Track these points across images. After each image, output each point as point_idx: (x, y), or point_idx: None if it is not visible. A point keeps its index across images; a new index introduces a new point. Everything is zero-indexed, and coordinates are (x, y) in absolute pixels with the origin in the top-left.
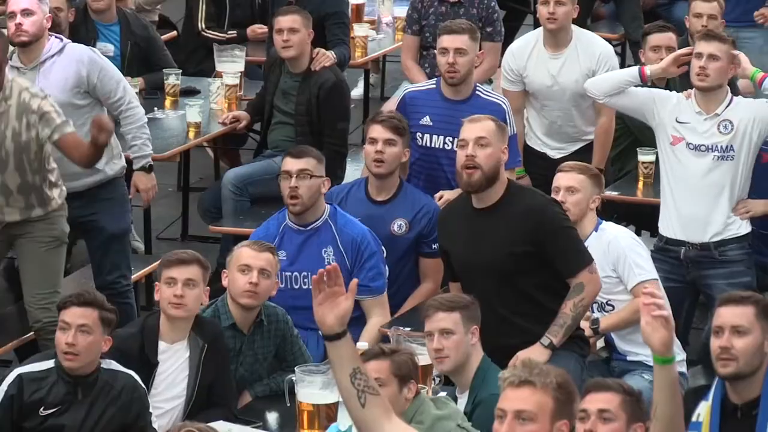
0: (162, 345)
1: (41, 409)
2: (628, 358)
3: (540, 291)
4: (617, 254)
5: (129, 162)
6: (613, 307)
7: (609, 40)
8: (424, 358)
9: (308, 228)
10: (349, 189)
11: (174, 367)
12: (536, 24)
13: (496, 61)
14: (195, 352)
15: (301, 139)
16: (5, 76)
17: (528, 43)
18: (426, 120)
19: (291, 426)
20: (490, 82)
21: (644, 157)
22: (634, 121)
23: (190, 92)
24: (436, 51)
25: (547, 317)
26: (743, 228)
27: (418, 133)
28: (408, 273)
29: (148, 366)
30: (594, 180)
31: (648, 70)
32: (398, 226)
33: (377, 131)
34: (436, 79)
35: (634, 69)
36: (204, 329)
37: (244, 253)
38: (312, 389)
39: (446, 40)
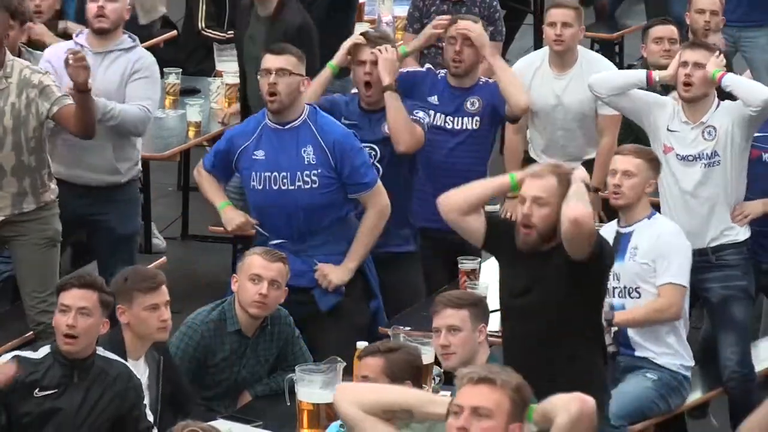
0: (129, 362)
1: (36, 390)
2: (636, 353)
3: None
4: (664, 248)
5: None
6: (639, 294)
7: (608, 40)
8: (424, 358)
9: (287, 127)
10: (344, 102)
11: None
12: (536, 23)
13: None
14: (153, 365)
15: None
16: (6, 53)
17: (533, 62)
18: (434, 99)
19: (291, 425)
20: None
21: None
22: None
23: (190, 91)
24: (443, 43)
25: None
26: (741, 234)
27: (422, 108)
28: (398, 183)
29: None
30: (651, 164)
31: (656, 75)
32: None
33: (366, 54)
34: (446, 70)
35: (642, 72)
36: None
37: (255, 262)
38: (312, 388)
39: (453, 30)
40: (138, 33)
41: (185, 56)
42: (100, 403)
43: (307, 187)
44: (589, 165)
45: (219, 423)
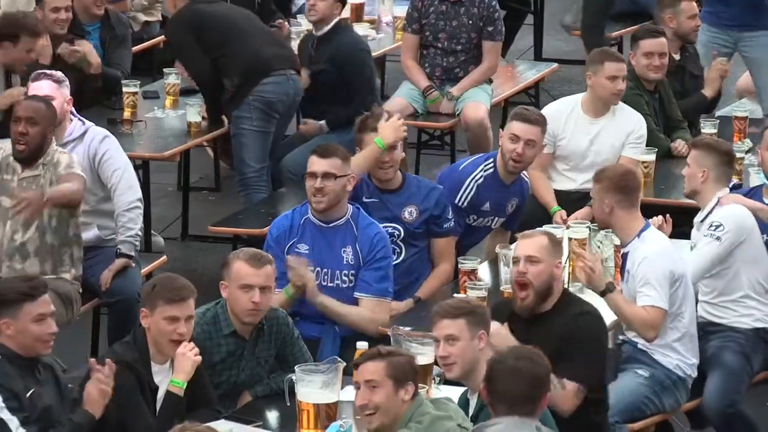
0: (154, 367)
1: (27, 394)
2: (639, 345)
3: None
4: (646, 274)
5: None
6: None
7: (606, 40)
8: (424, 358)
9: (331, 225)
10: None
11: (163, 387)
12: (536, 23)
13: (496, 61)
14: None
15: None
16: (51, 143)
17: (566, 107)
18: (486, 206)
19: (291, 425)
20: (490, 81)
21: (644, 156)
22: None
23: (190, 92)
24: (502, 134)
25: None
26: (743, 324)
27: (473, 215)
28: (421, 258)
29: (152, 391)
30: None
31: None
32: (408, 212)
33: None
34: (492, 160)
35: None
36: None
37: (243, 271)
38: (312, 388)
39: (519, 129)
40: (138, 35)
41: None
42: (62, 391)
43: (344, 286)
44: None
45: (220, 423)
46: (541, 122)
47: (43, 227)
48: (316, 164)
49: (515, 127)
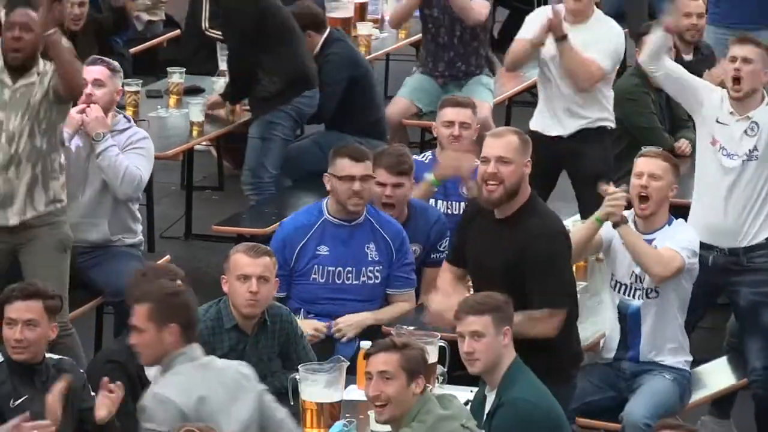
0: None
1: (11, 401)
2: (640, 358)
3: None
4: (672, 237)
5: None
6: (658, 294)
7: None
8: (428, 357)
9: (352, 223)
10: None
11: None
12: None
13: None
14: None
15: None
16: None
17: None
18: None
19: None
20: (491, 76)
21: None
22: (632, 121)
23: (193, 91)
24: (435, 126)
25: None
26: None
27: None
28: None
29: (143, 386)
30: (675, 169)
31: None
32: (413, 250)
33: (383, 176)
34: (430, 152)
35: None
36: None
37: (241, 261)
38: (316, 388)
39: (452, 113)
40: (141, 34)
41: (189, 56)
42: (66, 403)
43: (370, 282)
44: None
45: None
46: (471, 105)
47: (33, 132)
48: (356, 168)
49: (448, 113)
